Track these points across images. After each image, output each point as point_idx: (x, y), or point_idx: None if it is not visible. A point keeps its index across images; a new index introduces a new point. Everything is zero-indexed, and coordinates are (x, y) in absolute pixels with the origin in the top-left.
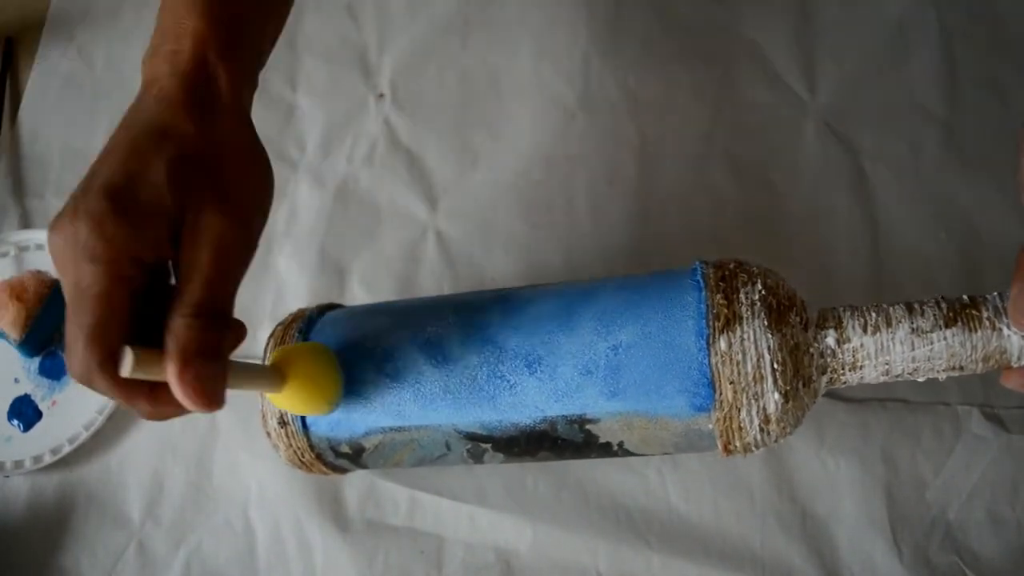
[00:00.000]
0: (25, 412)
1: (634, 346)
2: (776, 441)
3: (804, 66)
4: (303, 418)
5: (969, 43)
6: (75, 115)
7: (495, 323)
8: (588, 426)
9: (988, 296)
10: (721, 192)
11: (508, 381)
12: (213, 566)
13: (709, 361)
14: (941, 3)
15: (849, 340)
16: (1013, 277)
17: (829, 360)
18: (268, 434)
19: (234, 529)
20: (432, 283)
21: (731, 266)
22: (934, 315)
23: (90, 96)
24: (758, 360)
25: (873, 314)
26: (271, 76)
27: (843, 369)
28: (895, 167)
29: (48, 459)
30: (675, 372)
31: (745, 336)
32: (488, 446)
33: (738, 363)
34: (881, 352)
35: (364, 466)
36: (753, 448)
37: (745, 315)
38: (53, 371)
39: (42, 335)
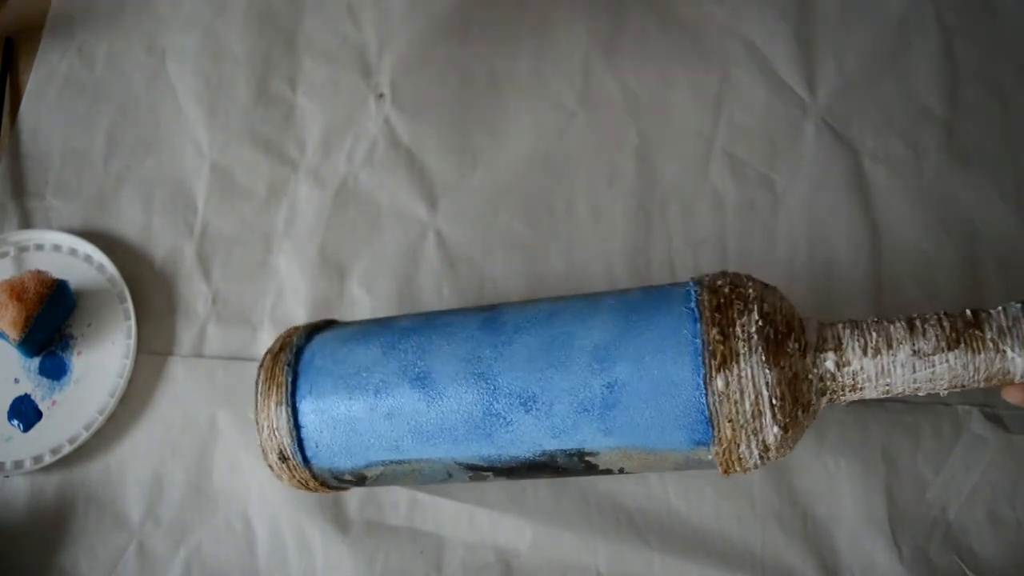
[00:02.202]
0: (25, 412)
1: (629, 383)
2: (776, 460)
3: (804, 66)
4: (303, 453)
5: (969, 43)
6: (75, 115)
7: (486, 356)
8: (587, 458)
9: (992, 312)
10: (721, 192)
11: (504, 419)
12: (213, 566)
13: (707, 400)
14: (941, 3)
15: (849, 363)
16: None
17: (829, 383)
18: (270, 467)
19: (234, 529)
20: (432, 283)
21: (726, 291)
22: (936, 336)
23: (90, 96)
24: (756, 398)
25: (873, 334)
26: (271, 76)
27: (843, 391)
28: (895, 167)
29: (48, 459)
30: (672, 411)
31: (743, 374)
32: (489, 474)
33: (736, 402)
34: (882, 375)
35: (369, 487)
36: (754, 469)
37: (742, 351)
38: (53, 371)
39: (42, 335)
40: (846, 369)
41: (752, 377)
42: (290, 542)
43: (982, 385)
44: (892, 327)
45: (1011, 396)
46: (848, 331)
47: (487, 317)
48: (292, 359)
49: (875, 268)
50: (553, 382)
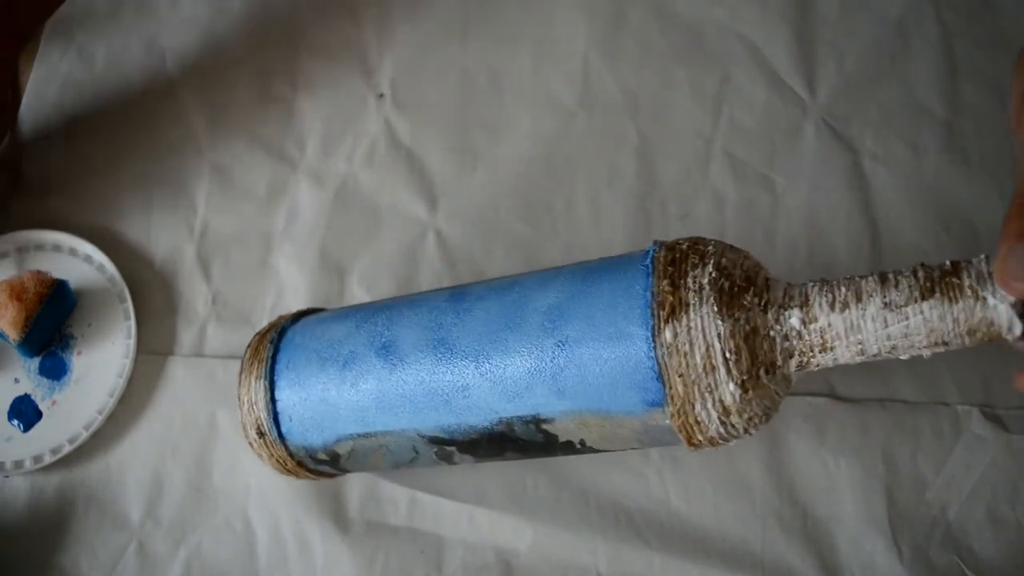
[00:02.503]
0: (25, 412)
1: (580, 341)
2: (748, 432)
3: (804, 66)
4: (279, 428)
5: (969, 43)
6: (75, 115)
7: (447, 323)
8: (544, 426)
9: (973, 260)
10: (721, 192)
11: (460, 383)
12: (213, 566)
13: (656, 353)
14: (941, 3)
15: (816, 319)
16: (1001, 234)
17: (795, 343)
18: (250, 444)
19: (234, 529)
20: (432, 283)
21: (684, 247)
22: (909, 286)
23: (90, 96)
24: (707, 350)
25: (843, 289)
26: (271, 76)
27: (812, 351)
28: (895, 167)
29: (48, 459)
30: (622, 367)
31: (692, 325)
32: (453, 448)
33: (685, 354)
34: (851, 331)
35: (345, 470)
36: (721, 441)
37: (692, 301)
38: (53, 371)
39: (42, 335)
40: (813, 326)
41: (702, 328)
42: (290, 542)
43: (967, 342)
44: (864, 281)
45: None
46: (816, 288)
47: (456, 290)
48: (276, 336)
49: (875, 268)
50: (507, 344)
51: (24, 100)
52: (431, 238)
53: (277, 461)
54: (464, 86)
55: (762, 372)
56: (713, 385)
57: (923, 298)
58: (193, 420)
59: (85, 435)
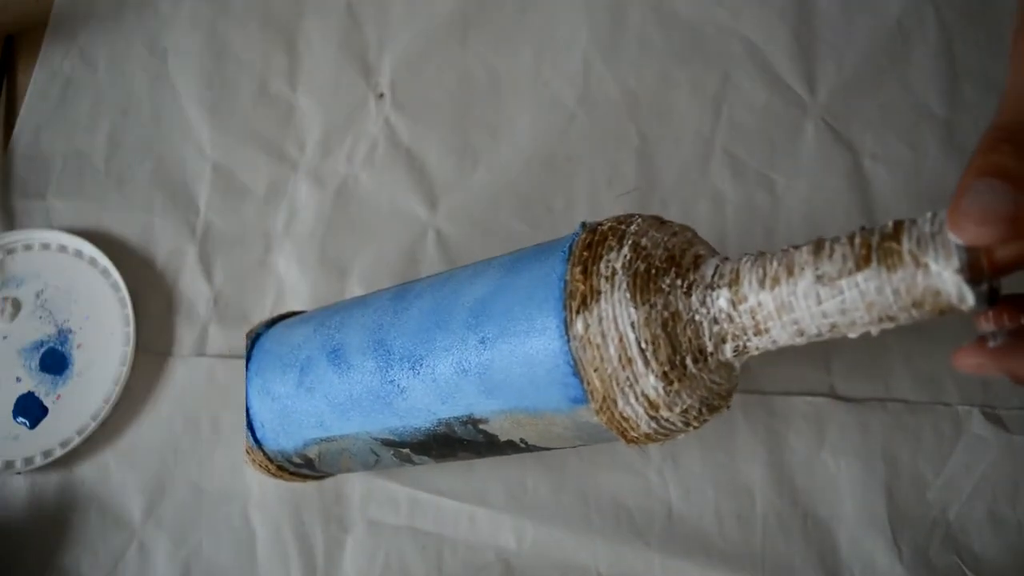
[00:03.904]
0: (31, 409)
1: (500, 337)
2: (690, 426)
3: (804, 66)
4: (255, 434)
5: (969, 43)
6: (76, 116)
7: (386, 323)
8: (481, 426)
9: (918, 220)
10: (721, 192)
11: (399, 385)
12: (213, 566)
13: (569, 347)
14: (941, 3)
15: (745, 299)
16: (964, 172)
17: (726, 326)
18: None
19: (234, 529)
20: None
21: (605, 228)
22: (843, 256)
23: (91, 97)
24: (621, 340)
25: (775, 263)
26: (271, 76)
27: (746, 334)
28: (895, 167)
29: (58, 452)
30: (541, 363)
31: (604, 314)
32: (407, 450)
33: (598, 347)
34: (783, 310)
35: (324, 472)
36: (661, 436)
37: (604, 288)
38: (54, 367)
39: None
40: (743, 307)
41: (614, 317)
42: (290, 542)
43: (916, 315)
44: (797, 252)
45: (961, 362)
46: (749, 263)
47: (401, 288)
48: (250, 344)
49: None
50: (436, 342)
51: (26, 100)
52: (431, 238)
53: (260, 466)
54: (464, 86)
55: (689, 361)
56: (633, 378)
57: (858, 268)
58: (194, 420)
59: (93, 425)
